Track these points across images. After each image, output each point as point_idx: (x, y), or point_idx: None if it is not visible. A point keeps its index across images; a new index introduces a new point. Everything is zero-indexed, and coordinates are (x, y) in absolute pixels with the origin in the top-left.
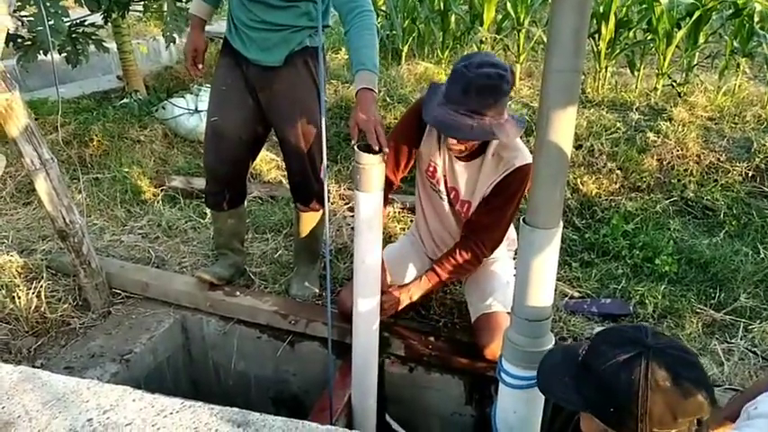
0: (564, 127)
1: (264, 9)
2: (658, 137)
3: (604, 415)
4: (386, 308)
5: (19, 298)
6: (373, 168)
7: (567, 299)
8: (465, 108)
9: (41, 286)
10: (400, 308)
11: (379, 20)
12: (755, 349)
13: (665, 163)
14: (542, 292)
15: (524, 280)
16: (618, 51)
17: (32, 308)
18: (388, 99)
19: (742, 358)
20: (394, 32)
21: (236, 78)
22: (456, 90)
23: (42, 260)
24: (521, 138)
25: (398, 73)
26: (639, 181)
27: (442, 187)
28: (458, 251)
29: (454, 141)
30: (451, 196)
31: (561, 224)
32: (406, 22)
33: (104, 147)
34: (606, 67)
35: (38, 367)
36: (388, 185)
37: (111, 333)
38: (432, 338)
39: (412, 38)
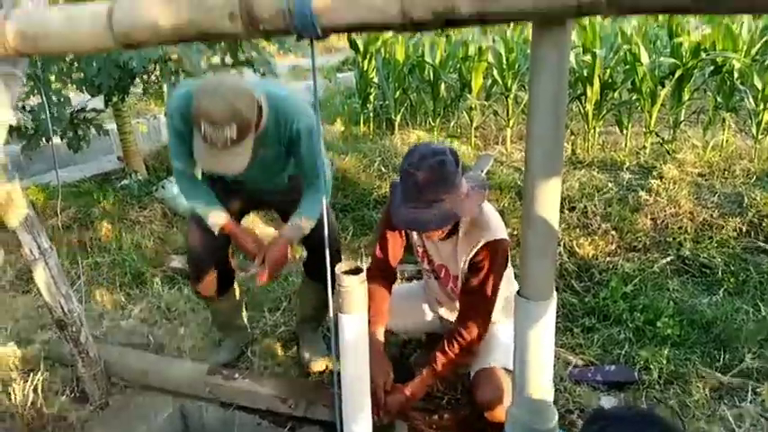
0: (550, 195)
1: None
2: (650, 195)
3: None
4: (391, 410)
5: (15, 393)
6: (355, 290)
7: (571, 368)
8: (422, 202)
9: (38, 379)
10: (404, 409)
11: (371, 91)
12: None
13: (658, 222)
14: (542, 365)
15: (523, 352)
16: (605, 112)
17: (29, 403)
18: (382, 169)
19: (754, 424)
20: (386, 103)
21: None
22: (409, 189)
23: (40, 351)
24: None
25: (392, 142)
26: (635, 241)
27: (426, 266)
28: (450, 344)
29: (428, 233)
30: (441, 273)
31: (555, 294)
32: (398, 92)
33: (104, 230)
34: (594, 128)
35: None
36: (390, 276)
37: (108, 427)
38: (435, 417)
39: (404, 107)
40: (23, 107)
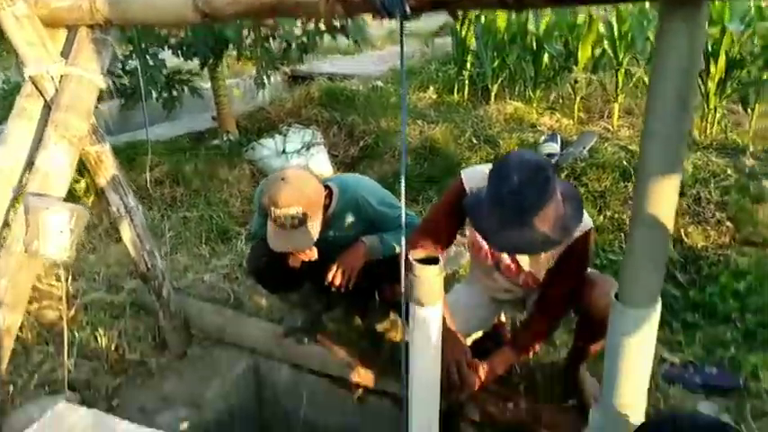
0: (665, 195)
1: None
2: None
3: None
4: (469, 385)
5: (102, 337)
6: (432, 281)
7: (666, 365)
8: (528, 223)
9: (124, 325)
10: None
11: (468, 58)
12: None
13: None
14: (635, 381)
15: (614, 366)
16: (729, 92)
17: (113, 347)
18: (474, 140)
19: None
20: (483, 71)
21: None
22: (513, 215)
23: (127, 298)
24: None
25: (486, 113)
26: (753, 234)
27: (490, 262)
28: (535, 323)
29: None
30: (512, 267)
31: (659, 302)
32: (496, 61)
33: (194, 186)
34: (715, 108)
35: (114, 407)
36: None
37: (185, 376)
38: (510, 403)
39: (502, 77)
40: (124, 69)
